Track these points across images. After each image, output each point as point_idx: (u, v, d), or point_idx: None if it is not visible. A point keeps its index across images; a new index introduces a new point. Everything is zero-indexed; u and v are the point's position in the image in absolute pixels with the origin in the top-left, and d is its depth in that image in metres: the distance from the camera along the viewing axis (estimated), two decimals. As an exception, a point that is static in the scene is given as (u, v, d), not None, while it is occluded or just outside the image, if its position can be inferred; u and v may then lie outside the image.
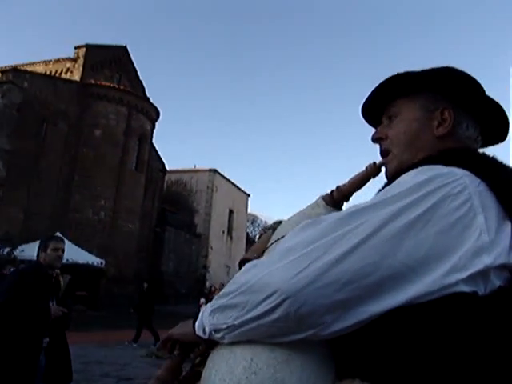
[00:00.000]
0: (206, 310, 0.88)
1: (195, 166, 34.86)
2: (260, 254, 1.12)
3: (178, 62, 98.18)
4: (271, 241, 1.14)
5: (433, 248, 0.74)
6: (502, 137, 1.05)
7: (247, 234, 42.64)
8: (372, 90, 1.06)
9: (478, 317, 0.73)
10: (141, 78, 27.49)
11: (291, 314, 0.73)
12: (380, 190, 0.95)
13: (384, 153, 1.04)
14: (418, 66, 1.03)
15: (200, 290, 27.17)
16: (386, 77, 1.03)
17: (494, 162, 0.89)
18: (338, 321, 0.74)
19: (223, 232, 35.12)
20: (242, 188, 39.12)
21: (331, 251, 0.74)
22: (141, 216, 23.61)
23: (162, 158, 28.48)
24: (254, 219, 52.52)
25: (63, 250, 3.77)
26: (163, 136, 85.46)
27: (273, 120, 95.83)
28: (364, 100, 1.10)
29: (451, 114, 0.96)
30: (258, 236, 1.34)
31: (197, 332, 0.89)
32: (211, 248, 32.64)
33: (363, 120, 1.16)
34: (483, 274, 0.74)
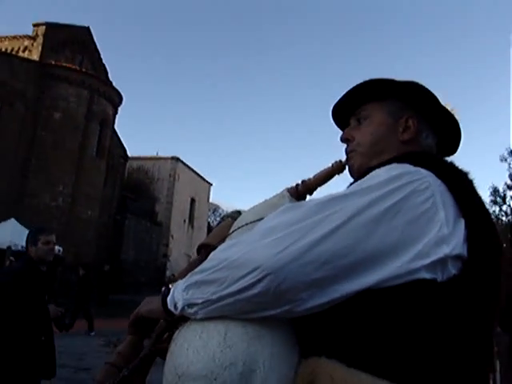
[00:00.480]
0: (178, 286, 0.91)
1: (157, 154, 34.30)
2: (221, 240, 1.16)
3: (143, 47, 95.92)
4: (234, 227, 1.18)
5: (401, 236, 0.81)
6: (453, 150, 1.17)
7: (208, 223, 42.48)
8: (346, 92, 1.14)
9: (436, 301, 0.82)
10: (104, 61, 26.65)
11: (271, 290, 0.78)
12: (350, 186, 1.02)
13: (350, 153, 1.13)
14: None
15: (160, 279, 26.93)
16: (360, 81, 1.11)
17: (452, 166, 0.99)
18: (312, 298, 0.80)
19: (184, 221, 34.82)
20: (205, 177, 38.85)
21: (312, 233, 0.80)
22: (101, 203, 23.06)
23: (124, 145, 27.92)
24: (215, 208, 52.38)
25: (55, 243, 3.53)
26: (126, 122, 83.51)
27: (237, 110, 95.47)
28: (336, 101, 1.18)
29: (415, 123, 1.07)
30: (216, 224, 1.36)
31: (169, 307, 0.91)
32: (172, 237, 32.35)
33: (332, 120, 1.24)
34: (442, 262, 0.82)
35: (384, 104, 1.10)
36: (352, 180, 1.11)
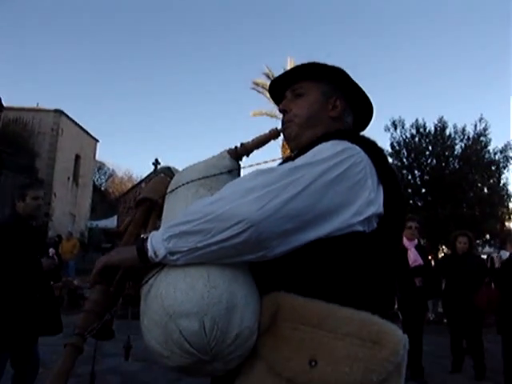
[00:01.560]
0: (154, 237, 1.04)
1: (38, 105, 31.27)
2: (161, 195, 1.35)
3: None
4: (176, 183, 1.31)
5: (344, 198, 1.06)
6: (364, 127, 1.45)
7: (94, 181, 40.44)
8: (288, 70, 1.36)
9: (364, 246, 1.10)
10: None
11: (253, 238, 0.97)
12: (291, 157, 1.28)
13: (287, 122, 1.34)
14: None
15: (41, 240, 25.21)
16: (301, 62, 1.33)
17: (374, 143, 1.24)
18: (280, 246, 1.02)
19: (68, 178, 32.63)
20: (91, 132, 36.55)
21: (283, 193, 1.00)
22: (-29, 156, 20.61)
23: (-2, 92, 24.95)
24: (100, 166, 49.95)
25: (43, 198, 3.47)
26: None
27: (128, 64, 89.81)
28: (277, 76, 1.40)
29: (341, 104, 1.34)
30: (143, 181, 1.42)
31: (149, 255, 1.03)
32: (55, 195, 30.18)
33: (268, 91, 1.46)
34: (369, 218, 1.09)
35: (319, 84, 1.34)
36: (285, 143, 1.36)
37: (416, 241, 5.75)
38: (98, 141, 38.12)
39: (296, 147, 1.32)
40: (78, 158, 34.16)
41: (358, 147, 1.13)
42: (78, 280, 10.59)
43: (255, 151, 1.40)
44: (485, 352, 5.80)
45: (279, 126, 1.38)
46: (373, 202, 1.09)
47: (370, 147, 1.19)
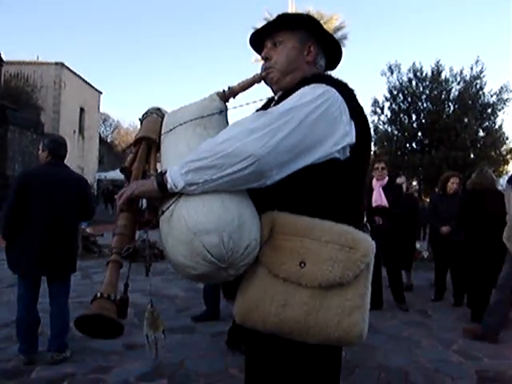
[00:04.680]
0: (173, 172, 1.19)
1: (38, 58, 30.98)
2: (158, 134, 1.49)
3: None
4: (172, 123, 1.44)
5: (326, 132, 1.23)
6: (335, 67, 1.59)
7: (99, 133, 40.59)
8: (267, 22, 1.48)
9: (339, 170, 1.28)
10: None
11: (258, 170, 1.15)
12: (273, 99, 1.48)
13: (269, 68, 1.48)
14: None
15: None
16: (277, 14, 1.47)
17: (345, 84, 1.40)
18: (277, 174, 1.19)
19: (74, 131, 32.78)
20: (94, 85, 36.35)
21: (280, 131, 1.17)
22: (-23, 113, 20.77)
23: (-2, 47, 24.66)
24: (105, 118, 49.94)
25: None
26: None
27: (128, 12, 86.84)
28: (257, 29, 1.51)
29: (315, 49, 1.49)
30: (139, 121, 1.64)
31: (169, 187, 1.19)
32: (61, 149, 30.45)
33: (249, 42, 1.57)
34: (344, 148, 1.26)
35: (295, 33, 1.46)
36: (267, 87, 1.50)
37: (385, 180, 5.80)
38: (101, 93, 37.78)
39: (278, 90, 1.48)
40: (82, 110, 34.11)
41: (333, 89, 1.28)
42: (90, 229, 11.23)
43: (240, 94, 1.53)
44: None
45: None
46: (348, 134, 1.26)
47: (343, 88, 1.35)
